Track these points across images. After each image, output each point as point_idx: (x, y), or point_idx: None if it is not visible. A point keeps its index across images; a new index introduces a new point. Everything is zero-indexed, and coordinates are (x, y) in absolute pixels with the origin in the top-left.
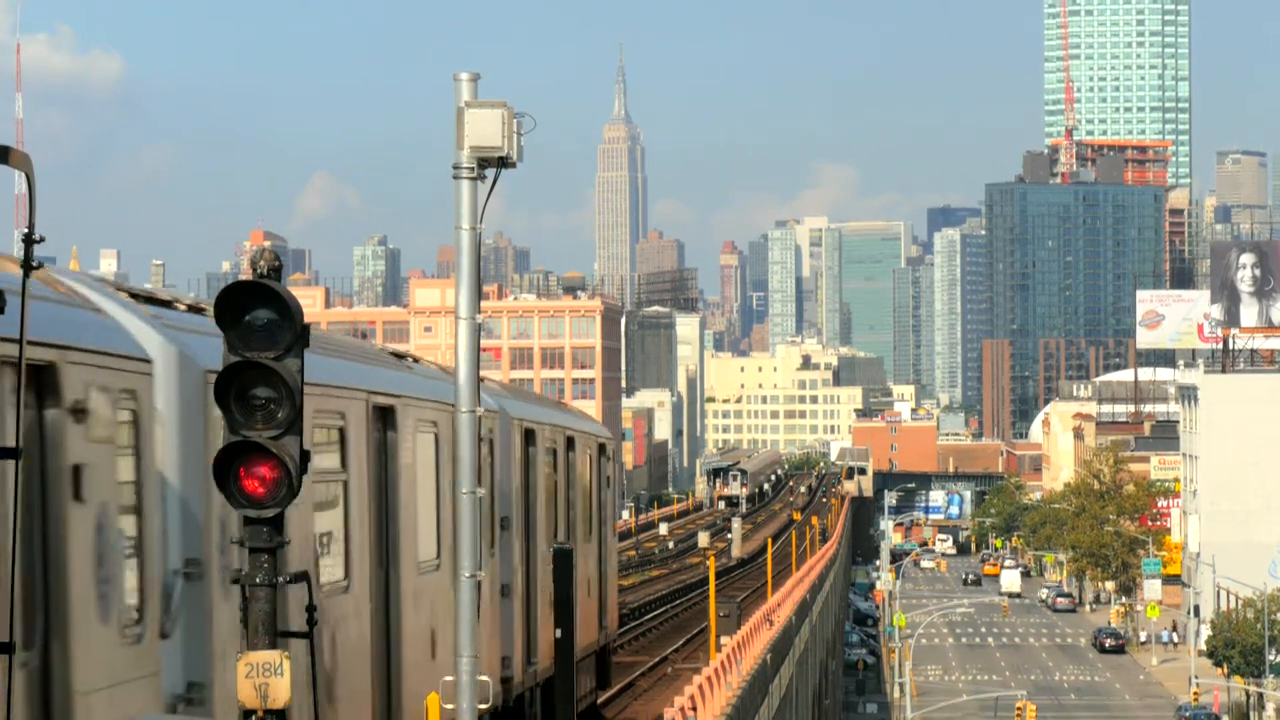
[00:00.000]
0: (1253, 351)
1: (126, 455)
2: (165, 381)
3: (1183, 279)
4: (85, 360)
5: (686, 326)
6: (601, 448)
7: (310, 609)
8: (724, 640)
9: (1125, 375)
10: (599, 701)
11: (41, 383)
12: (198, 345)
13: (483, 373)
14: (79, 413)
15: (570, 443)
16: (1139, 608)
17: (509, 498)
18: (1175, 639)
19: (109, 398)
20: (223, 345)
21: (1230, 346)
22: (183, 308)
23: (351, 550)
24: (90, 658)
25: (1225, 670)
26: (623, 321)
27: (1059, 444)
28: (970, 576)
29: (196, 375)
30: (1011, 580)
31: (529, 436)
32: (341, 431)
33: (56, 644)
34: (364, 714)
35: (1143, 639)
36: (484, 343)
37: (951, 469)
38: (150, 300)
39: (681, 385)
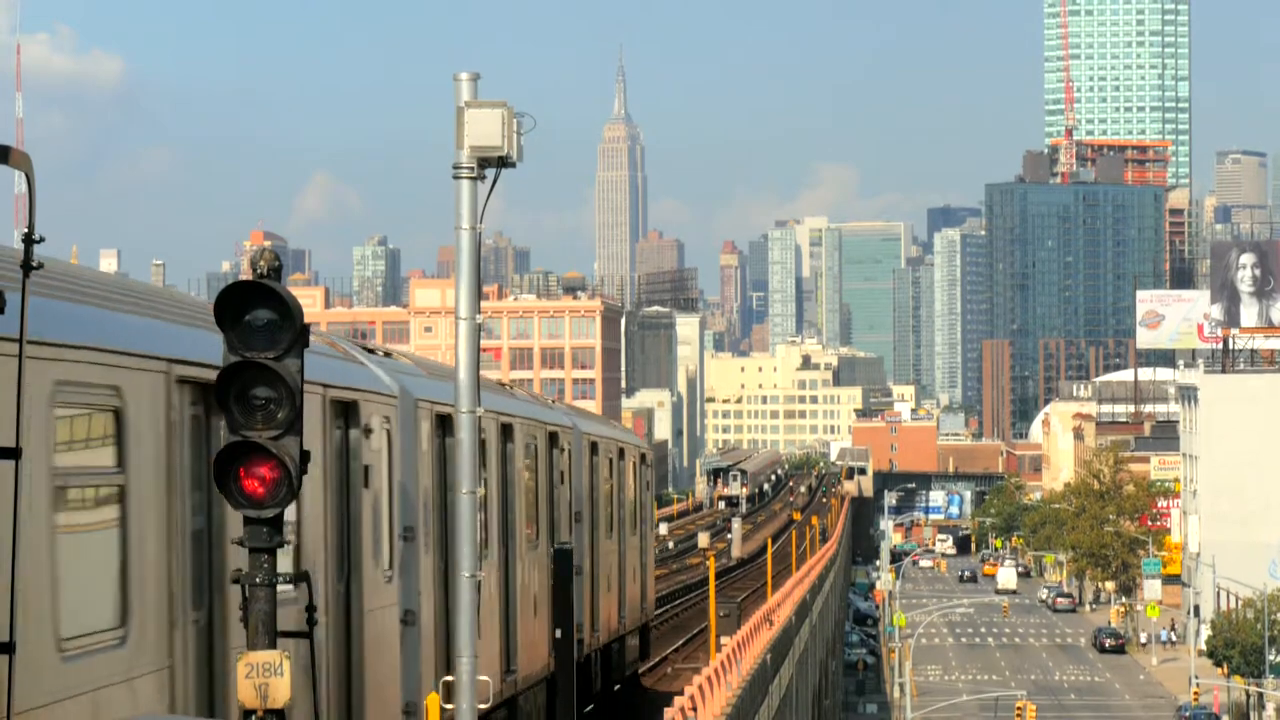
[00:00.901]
0: (1253, 351)
1: (385, 458)
2: (400, 408)
3: (1183, 279)
4: (370, 399)
5: (686, 326)
6: (643, 457)
7: (310, 609)
8: (724, 640)
9: (1125, 375)
10: (640, 671)
11: (348, 413)
12: (410, 382)
13: (527, 385)
14: (368, 431)
15: (621, 453)
16: (1139, 608)
17: (582, 497)
18: (1173, 637)
19: (381, 420)
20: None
21: (1230, 346)
22: (382, 354)
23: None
24: (368, 587)
25: (1225, 670)
26: (623, 321)
27: (1059, 444)
28: (966, 573)
29: (410, 402)
30: (1007, 578)
31: (594, 448)
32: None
33: (354, 579)
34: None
35: (1143, 640)
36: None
37: (951, 469)
38: (369, 351)
39: (681, 385)
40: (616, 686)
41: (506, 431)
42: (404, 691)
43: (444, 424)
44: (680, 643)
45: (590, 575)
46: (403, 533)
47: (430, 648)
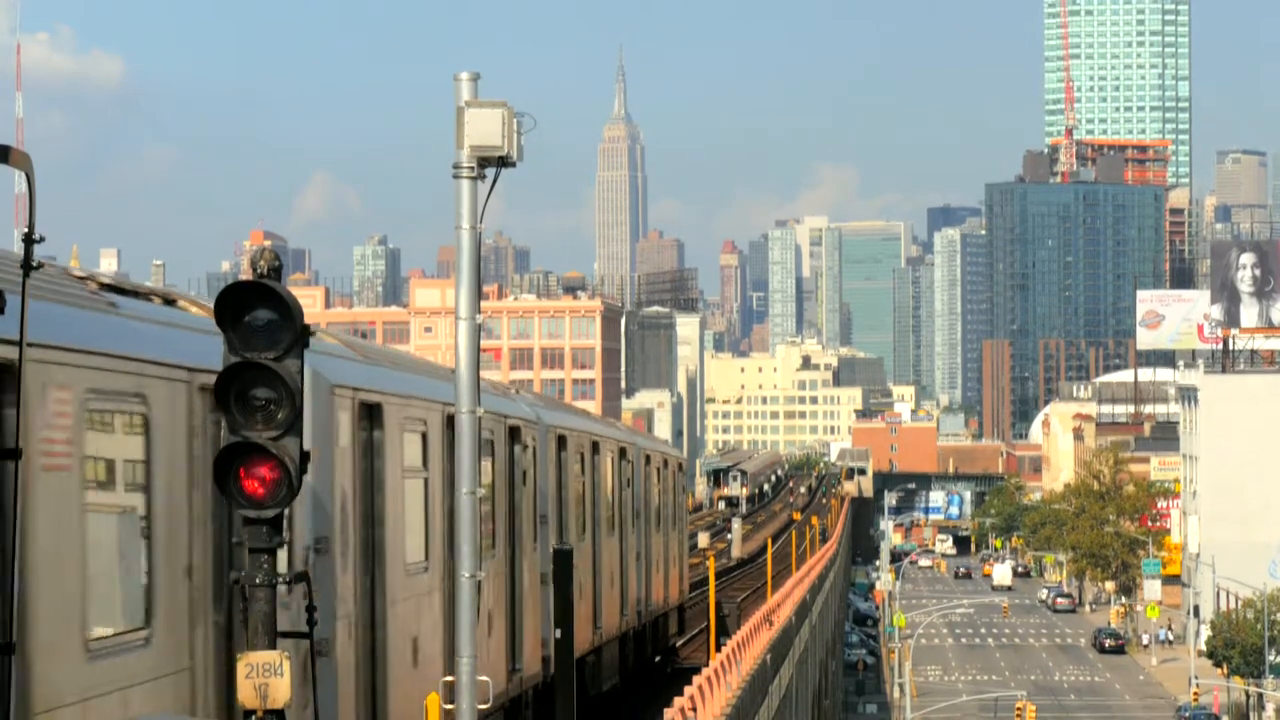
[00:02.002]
0: (1253, 352)
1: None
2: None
3: (1183, 279)
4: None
5: (686, 327)
6: (680, 466)
7: (310, 609)
8: (724, 640)
9: (1125, 376)
10: (676, 645)
11: (371, 414)
12: (543, 413)
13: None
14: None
15: (665, 463)
16: (1139, 608)
17: (642, 498)
18: (1170, 636)
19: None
20: (223, 346)
21: (1230, 347)
22: (515, 390)
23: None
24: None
25: (1225, 670)
26: (623, 322)
27: (1059, 445)
28: (961, 569)
29: (545, 428)
30: (1003, 574)
31: (648, 460)
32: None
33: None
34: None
35: (1145, 642)
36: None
37: (951, 470)
38: (507, 388)
39: (681, 386)
40: (657, 658)
41: (596, 448)
42: (635, 589)
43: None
44: (680, 643)
45: (646, 562)
46: (635, 513)
47: (642, 572)
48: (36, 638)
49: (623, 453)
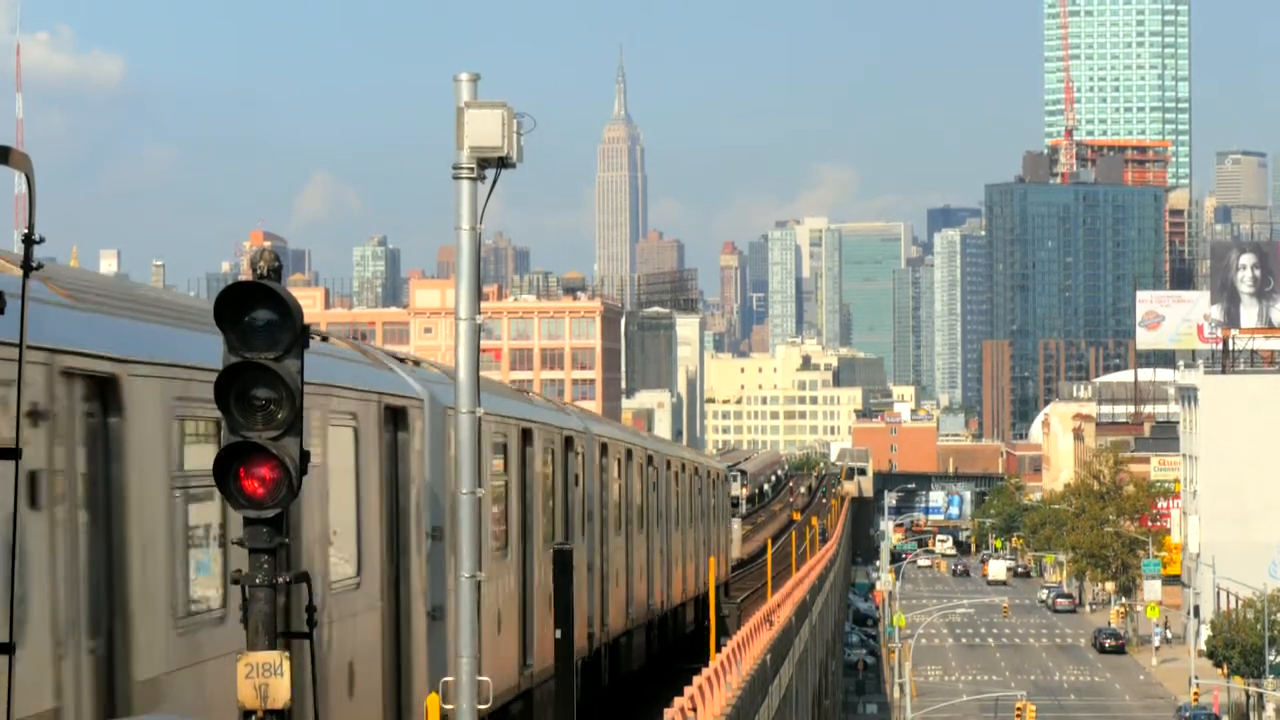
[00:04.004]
0: (1253, 352)
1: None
2: (427, 412)
3: (1183, 279)
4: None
5: (686, 327)
6: (726, 477)
7: (310, 609)
8: (724, 640)
9: (1125, 376)
10: (724, 614)
11: (397, 418)
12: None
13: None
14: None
15: (718, 475)
16: (1139, 608)
17: (699, 507)
18: (1168, 635)
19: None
20: (222, 346)
21: (1230, 347)
22: (412, 363)
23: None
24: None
25: (1225, 671)
26: (622, 322)
27: (1059, 445)
28: (959, 567)
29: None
30: (998, 570)
31: (708, 473)
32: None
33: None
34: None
35: (1156, 643)
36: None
37: (951, 470)
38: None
39: (681, 386)
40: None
41: (670, 465)
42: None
43: (708, 473)
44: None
45: (706, 546)
46: (693, 514)
47: (679, 563)
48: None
49: (696, 470)
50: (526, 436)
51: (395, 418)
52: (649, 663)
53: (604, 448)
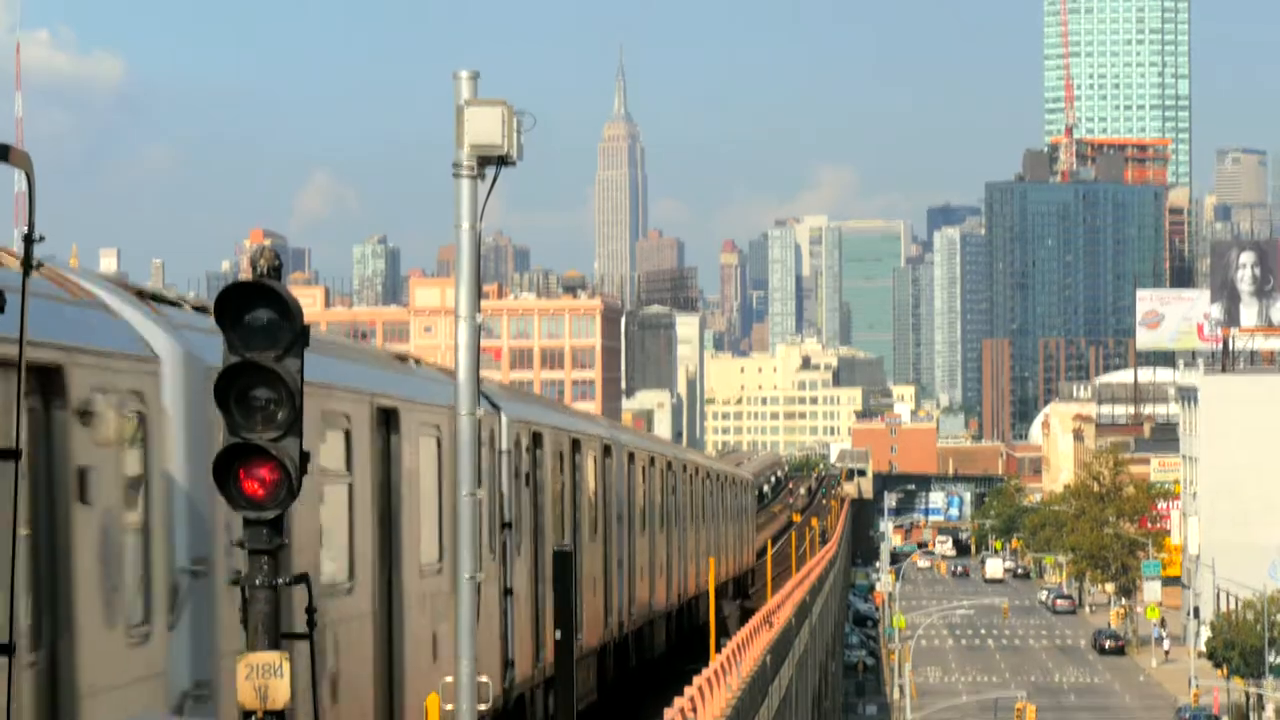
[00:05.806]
0: (1253, 352)
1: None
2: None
3: (1183, 278)
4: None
5: (686, 326)
6: (748, 485)
7: (310, 610)
8: (724, 641)
9: (1125, 376)
10: (725, 614)
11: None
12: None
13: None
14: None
15: (747, 483)
16: (1139, 610)
17: (731, 511)
18: (1165, 634)
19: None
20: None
21: (1230, 346)
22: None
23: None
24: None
25: (1225, 672)
26: (622, 321)
27: (1059, 446)
28: (958, 568)
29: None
30: (995, 568)
31: (741, 483)
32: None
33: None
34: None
35: (1166, 646)
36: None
37: (951, 471)
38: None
39: (681, 386)
40: (737, 600)
41: (709, 476)
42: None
43: (740, 483)
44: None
45: (738, 540)
46: (725, 515)
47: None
48: None
49: (736, 481)
50: (576, 445)
51: (733, 481)
52: (668, 650)
53: (630, 456)
